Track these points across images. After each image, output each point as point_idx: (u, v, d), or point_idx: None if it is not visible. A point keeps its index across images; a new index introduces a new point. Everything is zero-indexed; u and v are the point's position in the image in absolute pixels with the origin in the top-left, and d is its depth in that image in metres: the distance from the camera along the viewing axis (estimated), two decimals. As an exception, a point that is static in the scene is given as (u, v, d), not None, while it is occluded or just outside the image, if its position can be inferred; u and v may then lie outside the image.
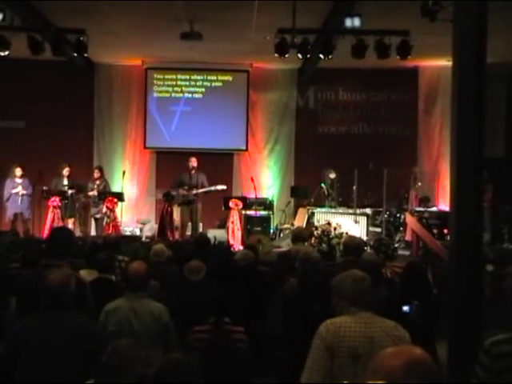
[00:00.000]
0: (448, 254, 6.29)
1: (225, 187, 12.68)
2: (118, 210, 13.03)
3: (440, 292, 7.11)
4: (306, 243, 8.53)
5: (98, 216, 13.15)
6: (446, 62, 12.34)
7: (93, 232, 13.50)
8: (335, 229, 11.50)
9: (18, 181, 13.10)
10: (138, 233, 13.77)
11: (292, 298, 5.18)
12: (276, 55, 11.10)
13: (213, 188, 12.68)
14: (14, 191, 13.03)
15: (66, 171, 13.14)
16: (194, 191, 12.52)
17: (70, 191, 12.97)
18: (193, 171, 12.69)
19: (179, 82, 15.32)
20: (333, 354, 3.37)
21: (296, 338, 4.66)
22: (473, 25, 5.42)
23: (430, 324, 5.41)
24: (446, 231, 11.68)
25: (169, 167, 14.61)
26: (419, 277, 5.93)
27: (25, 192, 13.07)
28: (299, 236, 7.72)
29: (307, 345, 3.47)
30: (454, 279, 5.52)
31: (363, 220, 12.70)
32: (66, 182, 13.14)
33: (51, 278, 3.91)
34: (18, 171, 13.08)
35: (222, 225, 13.69)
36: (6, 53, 11.26)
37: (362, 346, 3.38)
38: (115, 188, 14.04)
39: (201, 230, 12.92)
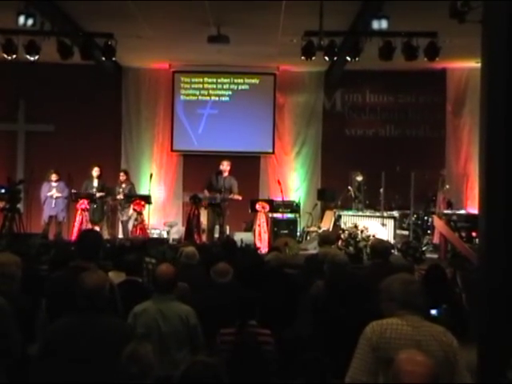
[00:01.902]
0: (477, 257, 6.22)
1: (240, 198, 12.60)
2: (145, 213, 13.09)
3: (469, 296, 7.03)
4: (332, 246, 8.49)
5: (125, 218, 13.24)
6: (474, 64, 12.22)
7: (120, 235, 13.60)
8: (362, 232, 11.47)
9: (54, 184, 13.24)
10: (165, 235, 13.81)
11: (320, 299, 5.17)
12: (303, 58, 11.08)
13: (229, 197, 12.54)
14: (49, 194, 13.17)
15: (95, 171, 13.24)
16: (217, 195, 12.43)
17: (98, 194, 13.06)
18: (222, 174, 12.61)
19: (206, 85, 15.36)
20: (377, 356, 3.35)
21: (324, 340, 4.65)
22: (502, 26, 5.35)
23: (458, 328, 5.35)
24: (474, 234, 11.56)
25: (195, 170, 14.66)
26: (441, 279, 5.87)
27: (59, 195, 13.19)
28: (326, 239, 7.69)
29: (335, 346, 3.46)
30: (483, 283, 5.45)
31: (390, 223, 12.63)
32: (95, 183, 13.24)
33: (87, 281, 3.98)
34: (54, 177, 13.21)
35: (249, 228, 13.69)
36: (36, 57, 11.40)
37: (409, 349, 3.31)
38: (142, 191, 14.12)
39: (227, 232, 12.93)
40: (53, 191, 13.20)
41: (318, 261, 6.31)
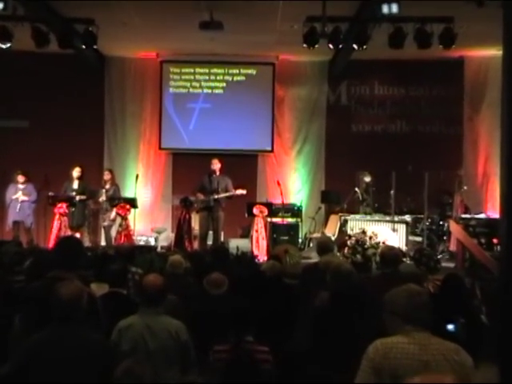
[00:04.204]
0: (498, 267, 6.22)
1: (244, 192, 12.59)
2: (130, 218, 13.09)
3: (489, 309, 7.03)
4: (336, 253, 8.49)
5: (108, 224, 13.24)
6: (495, 52, 12.28)
7: (103, 242, 13.60)
8: (371, 238, 11.46)
9: (20, 186, 13.21)
10: (152, 242, 13.82)
11: (323, 312, 5.18)
12: (304, 46, 11.10)
13: (231, 193, 12.54)
14: (14, 197, 13.14)
15: (76, 172, 13.19)
16: (213, 196, 12.43)
17: (78, 197, 13.03)
18: (214, 174, 12.60)
19: (198, 77, 15.38)
20: (380, 377, 3.34)
21: (326, 355, 4.65)
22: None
23: (477, 345, 5.35)
24: (495, 241, 11.58)
25: (186, 170, 14.67)
26: (458, 291, 5.87)
27: (25, 198, 13.15)
28: (325, 246, 7.65)
29: (338, 362, 3.46)
30: (504, 294, 5.46)
31: (402, 228, 12.64)
32: (76, 185, 13.20)
33: (62, 292, 4.00)
34: (21, 178, 13.17)
35: (246, 234, 13.70)
36: (8, 45, 11.40)
37: (416, 370, 3.26)
38: (128, 193, 14.12)
39: (222, 239, 12.94)
40: (18, 194, 13.17)
41: (318, 270, 6.31)
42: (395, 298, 3.59)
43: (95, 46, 12.11)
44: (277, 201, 13.90)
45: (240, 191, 12.53)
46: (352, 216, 13.28)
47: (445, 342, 3.48)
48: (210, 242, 12.66)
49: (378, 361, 3.36)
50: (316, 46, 11.05)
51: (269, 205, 13.17)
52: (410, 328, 3.45)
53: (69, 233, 12.44)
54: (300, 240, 13.62)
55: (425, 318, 3.50)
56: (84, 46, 12.04)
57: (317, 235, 13.61)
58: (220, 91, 15.38)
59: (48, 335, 3.97)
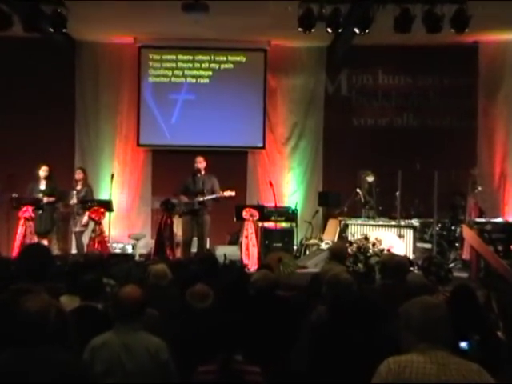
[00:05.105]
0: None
1: (233, 194, 12.58)
2: (105, 223, 13.07)
3: (507, 324, 7.05)
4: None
5: (80, 229, 13.21)
6: (513, 37, 12.32)
7: (74, 250, 13.57)
8: (374, 245, 11.48)
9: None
10: (129, 250, 13.83)
11: (320, 328, 5.18)
12: (300, 30, 11.11)
13: (218, 195, 12.52)
14: None
15: (43, 171, 13.11)
16: (198, 198, 12.41)
17: (46, 199, 12.98)
18: (199, 174, 12.58)
19: (180, 64, 15.39)
20: None
21: (324, 376, 4.66)
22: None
23: (494, 364, 5.36)
24: (513, 248, 11.64)
25: (168, 169, 14.68)
26: (472, 304, 5.88)
27: None
28: (338, 253, 7.67)
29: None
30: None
31: (409, 234, 12.68)
32: (43, 186, 13.14)
33: (27, 307, 3.94)
34: None
35: (234, 240, 13.72)
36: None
37: None
38: (102, 195, 14.10)
39: (208, 246, 12.93)
40: None
41: (320, 281, 6.32)
42: (409, 311, 3.58)
43: (65, 30, 12.09)
44: (269, 203, 13.91)
45: (228, 193, 12.52)
46: (353, 220, 13.33)
47: (465, 361, 3.47)
48: (194, 250, 12.67)
49: (392, 381, 3.36)
50: (313, 30, 11.07)
51: (260, 208, 13.15)
52: (426, 345, 3.44)
53: (35, 240, 12.40)
54: (295, 247, 13.66)
55: (442, 334, 3.49)
56: (52, 30, 12.01)
57: (314, 241, 13.63)
58: (205, 81, 15.39)
59: (8, 358, 3.90)
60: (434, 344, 3.44)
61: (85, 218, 13.05)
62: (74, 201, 13.17)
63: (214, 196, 12.47)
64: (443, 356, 3.42)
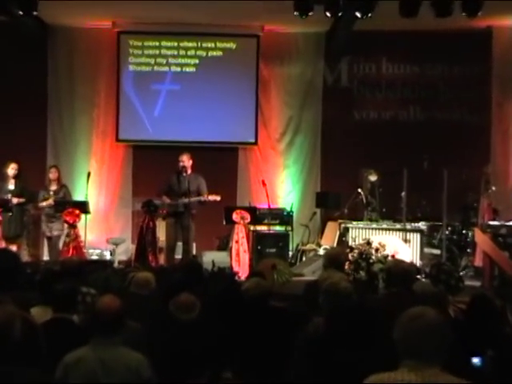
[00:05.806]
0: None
1: (218, 198, 12.55)
2: (80, 226, 13.04)
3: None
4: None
5: (52, 234, 13.17)
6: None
7: (46, 256, 13.54)
8: (377, 250, 11.48)
9: None
10: (108, 256, 13.82)
11: (317, 342, 5.17)
12: (296, 14, 11.11)
13: (202, 199, 12.53)
14: None
15: (11, 170, 13.04)
16: (182, 200, 12.40)
17: (15, 200, 12.94)
18: (184, 173, 12.58)
19: (164, 52, 15.38)
20: None
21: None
22: None
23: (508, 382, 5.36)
24: (530, 253, 11.65)
25: (150, 167, 14.68)
26: (488, 316, 5.87)
27: None
28: (335, 259, 7.67)
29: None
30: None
31: (416, 238, 12.70)
32: (12, 185, 13.10)
33: None
34: None
35: (223, 245, 13.72)
36: None
37: None
38: (77, 196, 14.07)
39: (194, 252, 12.93)
40: None
41: (316, 290, 6.31)
42: (398, 322, 3.51)
43: (35, 13, 12.06)
44: (262, 205, 13.93)
45: (213, 197, 12.49)
46: (354, 223, 13.33)
47: (455, 379, 3.40)
48: (178, 256, 12.67)
49: None
50: (310, 13, 11.07)
51: (252, 210, 13.17)
52: (411, 362, 3.37)
53: (3, 245, 12.38)
54: (290, 253, 13.65)
55: (432, 348, 3.39)
56: (21, 12, 11.97)
57: (311, 246, 13.63)
58: (191, 69, 15.39)
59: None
60: (422, 360, 3.36)
61: (59, 222, 12.98)
62: (49, 202, 13.08)
63: (198, 199, 12.46)
64: (433, 374, 3.34)
